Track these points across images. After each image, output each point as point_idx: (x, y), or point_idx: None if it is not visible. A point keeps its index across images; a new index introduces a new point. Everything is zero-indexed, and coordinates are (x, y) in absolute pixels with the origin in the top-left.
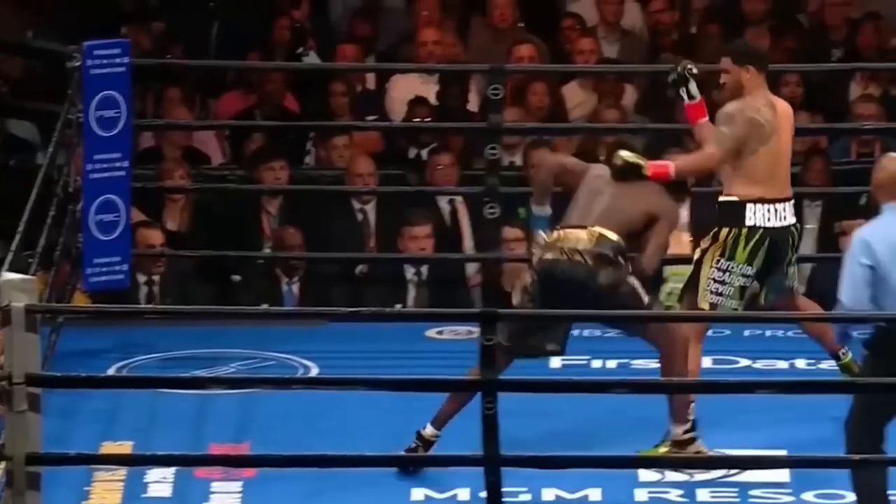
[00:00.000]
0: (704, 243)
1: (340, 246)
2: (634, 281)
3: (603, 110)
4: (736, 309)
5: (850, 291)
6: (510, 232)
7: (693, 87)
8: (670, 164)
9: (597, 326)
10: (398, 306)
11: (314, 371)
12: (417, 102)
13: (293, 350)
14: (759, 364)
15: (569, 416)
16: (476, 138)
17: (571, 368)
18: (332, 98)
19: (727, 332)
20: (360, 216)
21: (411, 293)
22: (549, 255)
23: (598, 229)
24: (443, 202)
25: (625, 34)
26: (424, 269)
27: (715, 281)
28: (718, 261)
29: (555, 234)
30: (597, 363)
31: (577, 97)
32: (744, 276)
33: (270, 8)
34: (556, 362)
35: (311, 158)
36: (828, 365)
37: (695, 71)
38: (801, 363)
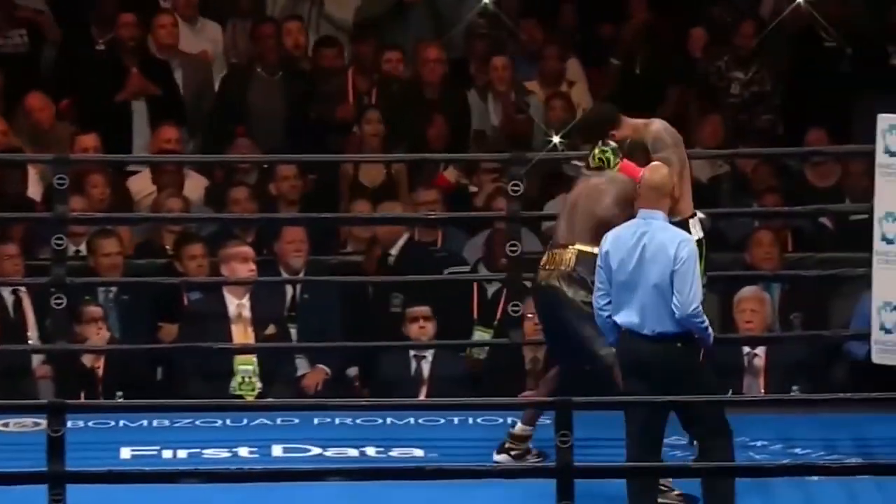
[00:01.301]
0: None
1: None
2: None
3: (164, 200)
4: None
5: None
6: (94, 312)
7: (609, 158)
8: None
9: (166, 416)
10: None
11: None
12: None
13: None
14: (329, 452)
15: None
16: (40, 227)
17: (142, 459)
18: None
19: (297, 420)
20: None
21: None
22: (539, 279)
23: (578, 246)
24: (6, 292)
25: None
26: None
27: None
28: None
29: (546, 255)
30: (167, 453)
31: (148, 187)
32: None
33: None
34: (126, 453)
35: None
36: (398, 453)
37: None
38: (371, 451)
